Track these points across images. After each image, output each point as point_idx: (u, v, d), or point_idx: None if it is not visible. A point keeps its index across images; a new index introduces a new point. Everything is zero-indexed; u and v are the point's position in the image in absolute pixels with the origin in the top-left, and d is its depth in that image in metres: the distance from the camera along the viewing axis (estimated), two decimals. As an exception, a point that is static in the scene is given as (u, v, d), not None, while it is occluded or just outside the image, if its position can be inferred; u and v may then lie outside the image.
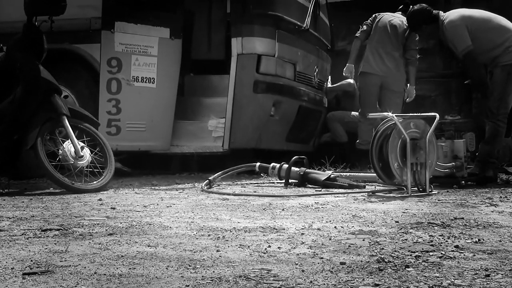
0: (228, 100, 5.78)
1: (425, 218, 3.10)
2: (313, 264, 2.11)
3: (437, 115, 4.46)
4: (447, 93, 7.93)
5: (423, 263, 2.11)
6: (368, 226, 2.89)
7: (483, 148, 5.12)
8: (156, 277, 1.93)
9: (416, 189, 4.30)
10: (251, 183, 5.25)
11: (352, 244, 2.45)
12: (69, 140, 4.60)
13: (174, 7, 5.81)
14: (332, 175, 4.84)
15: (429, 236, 2.62)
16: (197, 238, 2.59)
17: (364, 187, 4.70)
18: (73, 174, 4.56)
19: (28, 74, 4.63)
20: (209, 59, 7.08)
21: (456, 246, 2.39)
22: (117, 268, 2.04)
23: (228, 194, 4.33)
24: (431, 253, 2.27)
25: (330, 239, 2.57)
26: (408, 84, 6.47)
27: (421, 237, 2.58)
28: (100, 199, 4.00)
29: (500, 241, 2.52)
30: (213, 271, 2.00)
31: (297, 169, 4.97)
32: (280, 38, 5.90)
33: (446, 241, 2.51)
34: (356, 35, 6.53)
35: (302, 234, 2.69)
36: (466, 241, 2.51)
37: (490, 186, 4.85)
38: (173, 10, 5.80)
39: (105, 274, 1.96)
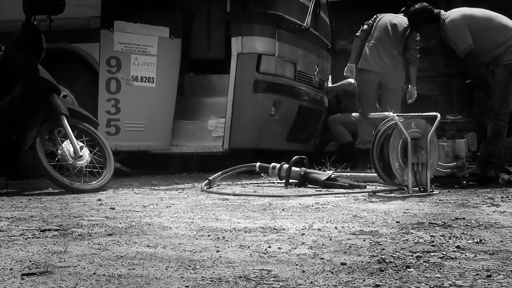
0: (228, 100, 5.77)
1: (426, 218, 3.09)
2: (314, 264, 2.10)
3: (439, 115, 4.44)
4: (448, 92, 7.91)
5: (424, 264, 2.10)
6: (369, 226, 2.88)
7: (485, 148, 5.10)
8: (156, 277, 1.92)
9: (417, 189, 4.29)
10: (251, 183, 5.24)
11: (352, 244, 2.44)
12: (68, 140, 4.59)
13: (173, 6, 5.80)
14: (332, 175, 4.83)
15: (430, 236, 2.60)
16: (196, 239, 2.58)
17: (365, 187, 4.69)
18: (72, 174, 4.54)
19: (27, 74, 4.61)
20: (208, 59, 7.08)
21: (458, 247, 2.38)
22: (116, 269, 2.03)
23: (228, 194, 4.31)
24: (432, 254, 2.26)
25: (330, 239, 2.55)
26: (410, 85, 6.46)
27: (422, 238, 2.57)
28: (99, 199, 3.99)
29: (502, 241, 2.51)
30: (213, 272, 1.99)
31: (297, 169, 4.95)
32: (280, 37, 5.88)
33: (447, 241, 2.50)
34: (357, 34, 6.54)
35: (303, 234, 2.67)
36: (468, 241, 2.50)
37: (491, 186, 4.84)
38: (173, 9, 5.79)
39: (104, 275, 1.95)
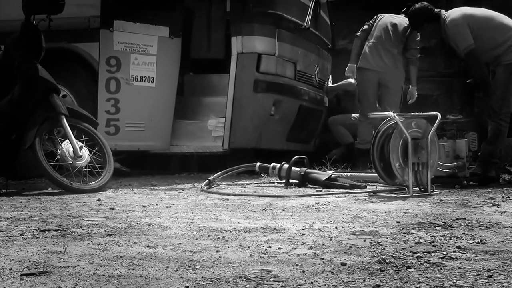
0: (228, 100, 5.76)
1: (427, 219, 3.08)
2: (314, 264, 2.09)
3: (439, 115, 4.43)
4: (449, 92, 7.90)
5: (424, 264, 2.09)
6: (369, 226, 2.87)
7: (485, 148, 5.10)
8: (156, 278, 1.92)
9: (418, 189, 4.28)
10: (251, 183, 5.23)
11: (353, 244, 2.43)
12: (67, 140, 4.58)
13: (173, 5, 5.79)
14: (333, 175, 4.82)
15: (431, 236, 2.60)
16: (196, 239, 2.57)
17: (365, 187, 4.68)
18: (72, 174, 4.54)
19: (26, 73, 4.61)
20: (208, 58, 7.07)
21: (458, 247, 2.37)
22: (116, 269, 2.03)
23: (228, 194, 4.31)
24: (432, 254, 2.25)
25: (331, 239, 2.55)
26: (410, 85, 6.46)
27: (423, 238, 2.57)
28: (99, 199, 3.99)
29: (503, 241, 2.50)
30: (213, 272, 1.98)
31: (297, 169, 4.95)
32: (281, 37, 5.88)
33: (448, 241, 2.49)
34: (357, 34, 6.54)
35: (303, 234, 2.67)
36: (468, 241, 2.50)
37: (492, 186, 4.84)
38: (173, 9, 5.79)
39: (104, 275, 1.95)
